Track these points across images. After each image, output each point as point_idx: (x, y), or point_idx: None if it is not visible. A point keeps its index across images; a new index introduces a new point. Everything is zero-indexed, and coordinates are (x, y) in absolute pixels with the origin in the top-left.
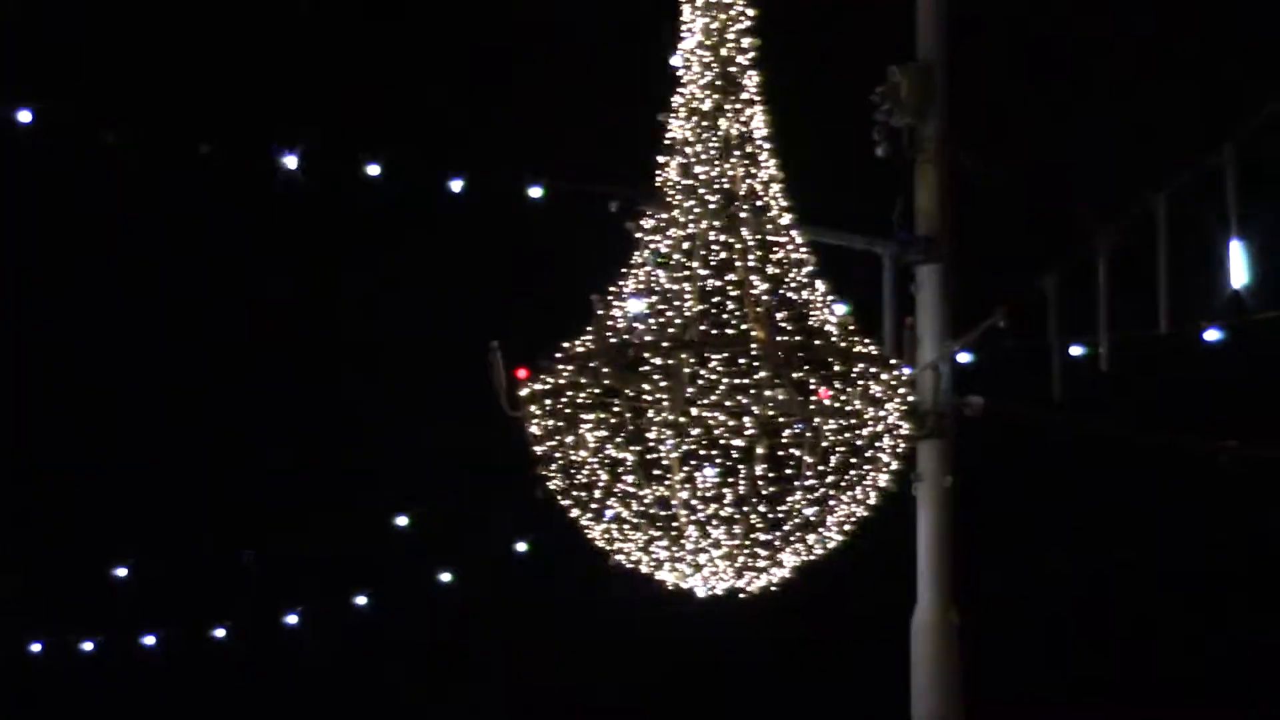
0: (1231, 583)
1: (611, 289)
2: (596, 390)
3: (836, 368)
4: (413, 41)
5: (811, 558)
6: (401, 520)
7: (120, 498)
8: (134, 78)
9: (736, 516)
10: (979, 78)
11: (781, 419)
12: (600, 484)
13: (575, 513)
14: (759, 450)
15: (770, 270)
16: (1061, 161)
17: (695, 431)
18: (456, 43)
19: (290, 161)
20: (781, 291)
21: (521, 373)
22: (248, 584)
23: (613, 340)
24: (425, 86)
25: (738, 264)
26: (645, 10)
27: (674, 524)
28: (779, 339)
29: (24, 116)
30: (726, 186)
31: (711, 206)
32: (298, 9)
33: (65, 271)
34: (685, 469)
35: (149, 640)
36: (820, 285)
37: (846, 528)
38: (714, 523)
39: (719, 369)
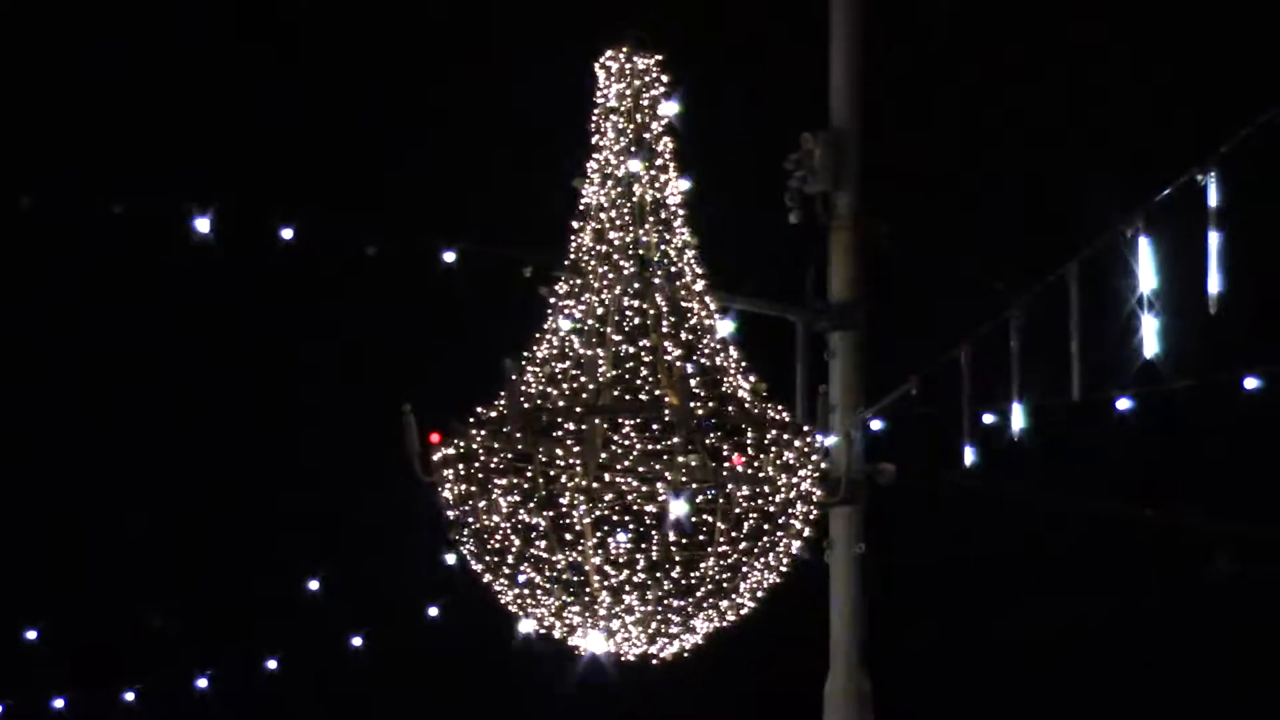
0: (1147, 647)
1: (525, 354)
2: (509, 455)
3: (749, 434)
4: (325, 103)
5: (724, 624)
6: (313, 584)
7: (30, 558)
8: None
9: (649, 582)
10: (894, 144)
11: (694, 485)
12: (513, 549)
13: (488, 578)
14: (671, 516)
15: (684, 336)
16: (976, 229)
17: (608, 497)
18: (371, 105)
19: (203, 224)
20: (695, 358)
21: (434, 437)
22: (158, 646)
23: (526, 405)
24: (339, 149)
25: (651, 330)
26: (561, 74)
27: (587, 589)
28: (692, 405)
29: None
30: (641, 252)
31: (625, 273)
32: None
33: None
34: (598, 534)
35: (58, 704)
36: (734, 352)
37: (759, 594)
38: (627, 588)
39: (632, 435)
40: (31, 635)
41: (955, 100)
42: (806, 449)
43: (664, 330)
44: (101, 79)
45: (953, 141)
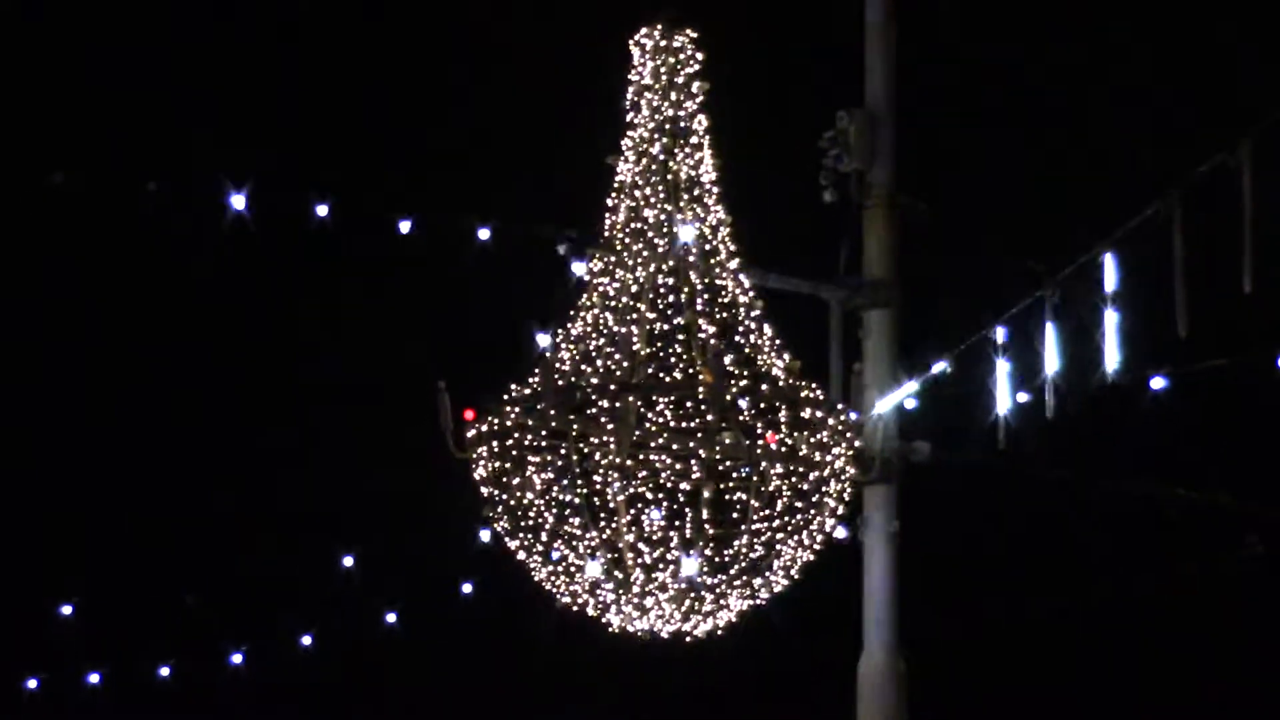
0: (1177, 627)
1: (559, 331)
2: (543, 432)
3: (783, 412)
4: (360, 82)
5: (758, 602)
6: (348, 560)
7: (61, 535)
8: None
9: (683, 559)
10: (928, 123)
11: (728, 463)
12: (547, 526)
13: (522, 555)
14: (705, 494)
15: (718, 314)
16: (1011, 207)
17: (642, 474)
18: (405, 83)
19: (238, 201)
20: (729, 336)
21: (469, 414)
22: (192, 623)
23: (560, 383)
24: (374, 127)
25: (685, 308)
26: (595, 52)
27: (621, 566)
28: (726, 383)
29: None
30: (675, 230)
31: (660, 250)
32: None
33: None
34: (631, 511)
35: (93, 679)
36: (768, 330)
37: (793, 572)
38: (660, 566)
39: (666, 412)
40: (67, 611)
41: (988, 78)
42: (841, 427)
43: (698, 308)
44: (126, 60)
45: (988, 119)
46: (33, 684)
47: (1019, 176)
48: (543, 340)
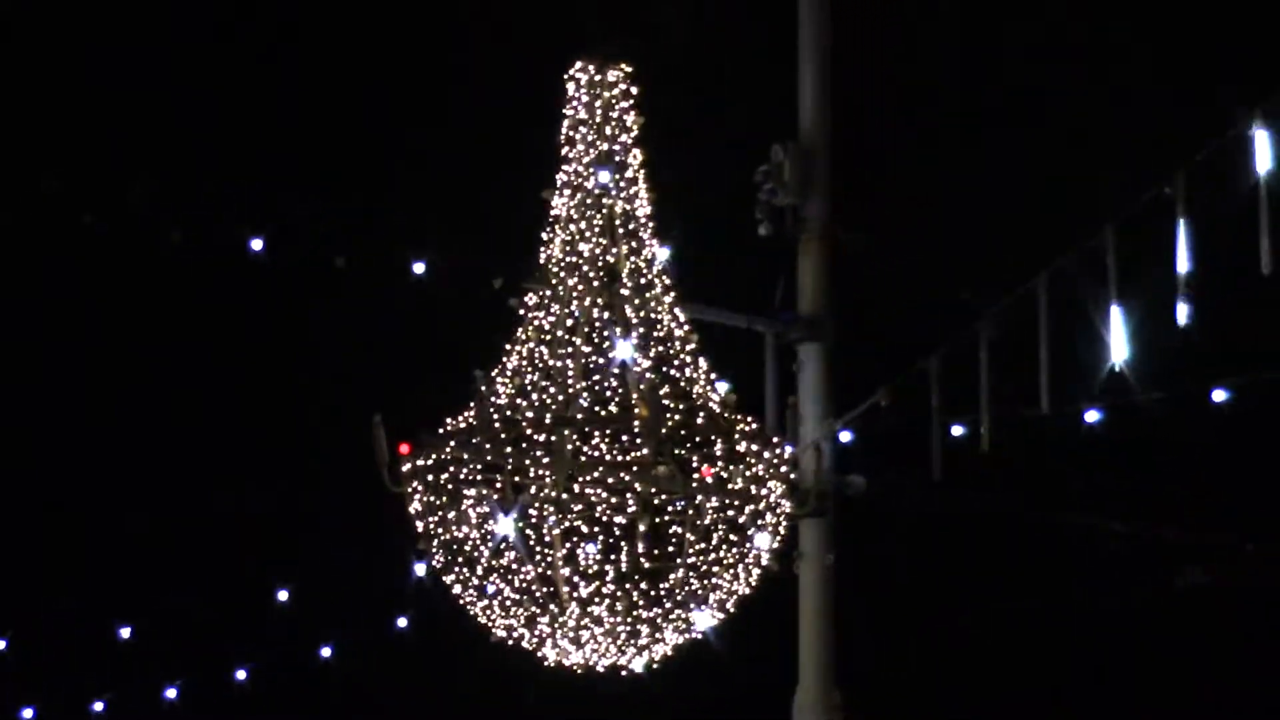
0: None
1: (495, 365)
2: (479, 466)
3: (719, 445)
4: (296, 116)
5: (694, 635)
6: (282, 595)
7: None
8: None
9: (619, 593)
10: (863, 156)
11: (664, 496)
12: (482, 560)
13: (457, 589)
14: (641, 527)
15: (654, 348)
16: (945, 241)
17: (577, 508)
18: (340, 116)
19: (174, 235)
20: (664, 369)
21: (404, 448)
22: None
23: (495, 416)
24: (308, 161)
25: (620, 342)
26: (531, 86)
27: (555, 601)
28: (662, 416)
29: None
30: (610, 264)
31: (595, 284)
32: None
33: None
34: (567, 545)
35: (26, 714)
36: (703, 363)
37: (728, 605)
38: (596, 599)
39: (601, 446)
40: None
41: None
42: (776, 460)
43: (634, 342)
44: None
45: (921, 151)
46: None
47: (955, 206)
48: (479, 374)
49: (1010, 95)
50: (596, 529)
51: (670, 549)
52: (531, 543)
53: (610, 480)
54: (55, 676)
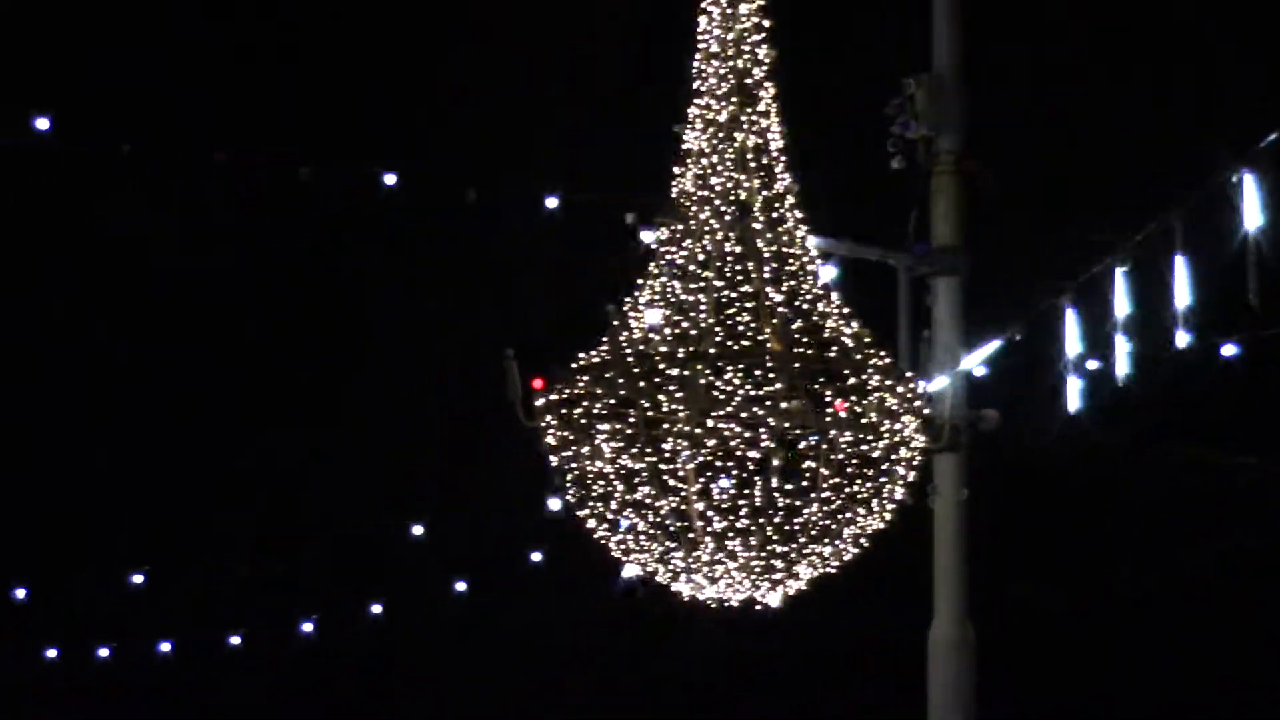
0: (1247, 600)
1: (627, 300)
2: (612, 401)
3: (852, 380)
4: (429, 57)
5: (827, 570)
6: (417, 530)
7: (126, 505)
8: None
9: (752, 528)
10: (996, 88)
11: (797, 431)
12: (616, 495)
13: (591, 524)
14: (774, 462)
15: (785, 282)
16: (1079, 172)
17: (711, 443)
18: (473, 57)
19: (303, 173)
20: (797, 303)
21: (537, 383)
22: (261, 593)
23: (628, 351)
24: (443, 100)
25: (753, 275)
26: (662, 21)
27: (690, 535)
28: (794, 350)
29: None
30: (742, 198)
31: (727, 218)
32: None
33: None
34: (701, 480)
35: (164, 647)
36: (835, 297)
37: (862, 540)
38: (730, 534)
39: (735, 380)
40: (138, 579)
41: (1059, 42)
42: (909, 395)
43: (765, 276)
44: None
45: (1059, 82)
46: (104, 652)
47: (1090, 140)
48: (611, 309)
49: (1144, 26)
50: (730, 464)
51: (804, 484)
52: (665, 478)
53: (743, 415)
54: (192, 611)
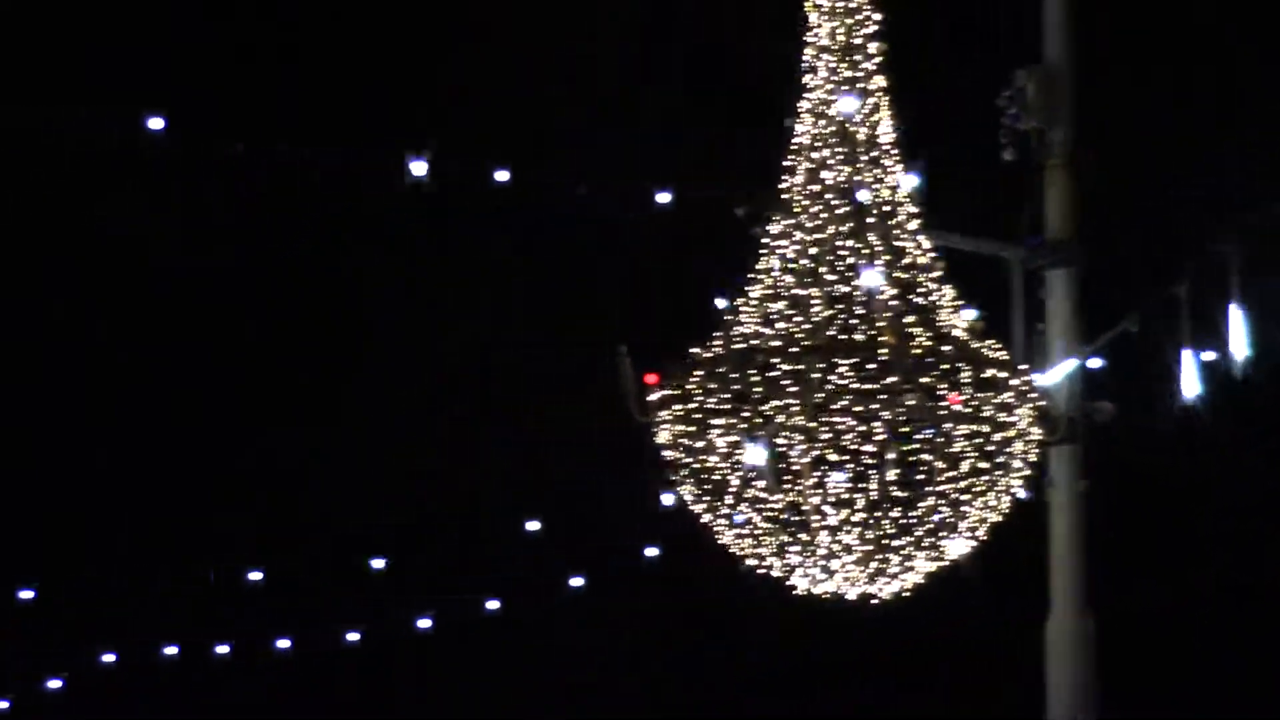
0: None
1: (738, 294)
2: (726, 395)
3: (966, 373)
4: (536, 54)
5: (944, 563)
6: (532, 525)
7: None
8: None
9: (869, 522)
10: (1108, 80)
11: (912, 424)
12: (731, 489)
13: (706, 518)
14: (889, 456)
15: (898, 275)
16: (1192, 163)
17: (825, 437)
18: (581, 52)
19: (418, 168)
20: (910, 297)
21: (651, 378)
22: (381, 586)
23: (741, 345)
24: (552, 94)
25: (866, 269)
26: (772, 15)
27: (806, 529)
28: (908, 344)
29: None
30: (854, 192)
31: (839, 212)
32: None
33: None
34: (816, 474)
35: (283, 644)
36: (949, 290)
37: (979, 533)
38: (845, 528)
39: (848, 374)
40: (256, 576)
41: (1171, 34)
42: (1024, 387)
43: (878, 269)
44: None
45: (1169, 76)
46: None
47: (1203, 132)
48: (723, 303)
49: (1258, 17)
50: (845, 457)
51: (920, 477)
52: (780, 472)
53: (858, 409)
54: (307, 608)
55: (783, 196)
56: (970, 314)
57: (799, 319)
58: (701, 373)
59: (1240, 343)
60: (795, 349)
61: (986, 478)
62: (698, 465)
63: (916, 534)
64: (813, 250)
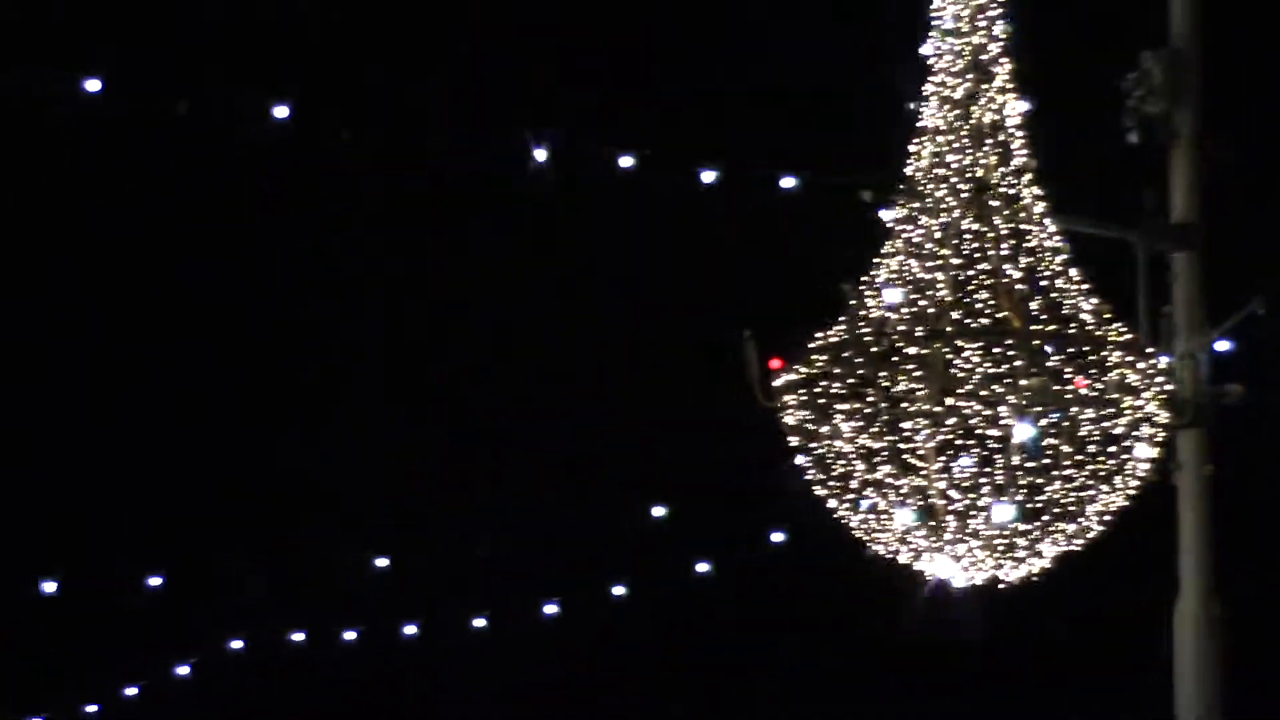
0: None
1: (864, 278)
2: (851, 380)
3: (1092, 356)
4: (662, 36)
5: (1071, 547)
6: (658, 511)
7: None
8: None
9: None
10: (1234, 62)
11: (1038, 408)
12: (856, 474)
13: (832, 503)
14: (1015, 440)
15: (1023, 259)
16: None
17: (951, 421)
18: (706, 35)
19: (541, 154)
20: (1035, 280)
21: (775, 363)
22: (505, 574)
23: (866, 330)
24: (676, 80)
25: (990, 253)
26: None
27: (932, 514)
28: (1033, 328)
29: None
30: (979, 175)
31: (964, 195)
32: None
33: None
34: (941, 459)
35: (410, 630)
36: (1074, 274)
37: (1106, 517)
38: (972, 513)
39: (973, 358)
40: (383, 563)
41: None
42: (1151, 370)
43: (1003, 253)
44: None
45: None
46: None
47: None
48: (848, 288)
49: None
50: (971, 442)
51: (1045, 461)
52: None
53: (983, 393)
54: (432, 596)
55: (907, 180)
56: (1096, 298)
57: (924, 303)
58: (826, 358)
59: None
60: (921, 333)
61: (1113, 461)
62: (823, 450)
63: (1044, 518)
64: (937, 234)
